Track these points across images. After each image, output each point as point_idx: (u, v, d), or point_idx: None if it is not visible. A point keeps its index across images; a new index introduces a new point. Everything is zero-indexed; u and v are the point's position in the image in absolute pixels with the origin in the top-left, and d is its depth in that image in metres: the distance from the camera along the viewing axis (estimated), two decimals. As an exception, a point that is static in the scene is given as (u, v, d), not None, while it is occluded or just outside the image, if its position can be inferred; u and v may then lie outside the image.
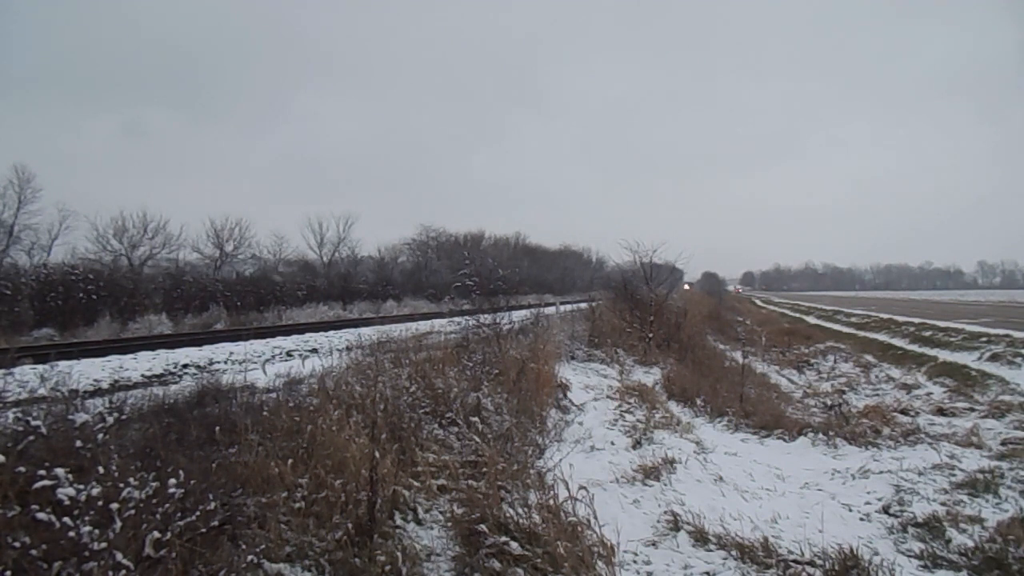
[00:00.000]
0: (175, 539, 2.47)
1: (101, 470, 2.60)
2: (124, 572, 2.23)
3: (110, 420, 3.16)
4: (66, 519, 2.29)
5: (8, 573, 2.10)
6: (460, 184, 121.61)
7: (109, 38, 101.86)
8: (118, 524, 2.34)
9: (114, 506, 2.38)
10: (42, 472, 2.42)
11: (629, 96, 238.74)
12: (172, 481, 2.63)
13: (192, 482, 2.78)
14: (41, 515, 2.27)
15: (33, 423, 2.86)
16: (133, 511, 2.44)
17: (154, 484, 2.59)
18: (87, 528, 2.26)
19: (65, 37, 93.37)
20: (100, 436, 2.89)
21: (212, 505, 2.75)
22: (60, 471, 2.43)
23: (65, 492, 2.36)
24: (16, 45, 62.69)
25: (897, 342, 15.72)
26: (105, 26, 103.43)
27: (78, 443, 2.78)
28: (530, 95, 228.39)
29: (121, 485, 2.50)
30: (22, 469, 2.48)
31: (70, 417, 3.05)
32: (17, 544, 2.15)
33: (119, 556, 2.23)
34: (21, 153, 50.50)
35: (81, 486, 2.43)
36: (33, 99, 61.65)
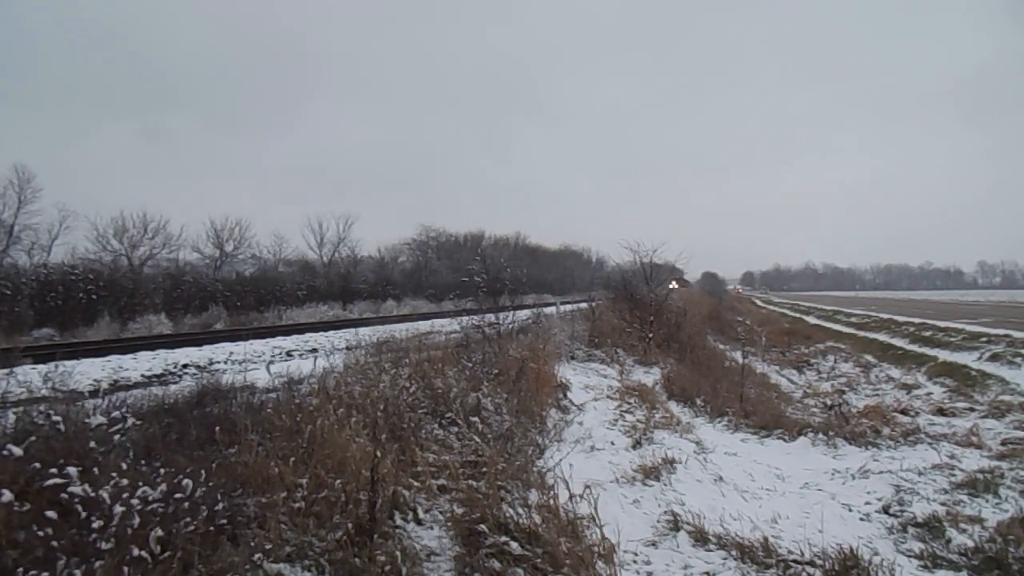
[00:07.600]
0: (181, 539, 2.48)
1: (124, 465, 2.65)
2: (129, 569, 2.24)
3: (129, 422, 3.18)
4: (78, 516, 2.31)
5: (30, 572, 2.11)
6: (461, 185, 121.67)
7: (130, 45, 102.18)
8: (136, 521, 2.37)
9: (135, 502, 2.42)
10: (53, 470, 2.45)
11: (629, 100, 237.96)
12: (188, 482, 2.66)
13: (211, 483, 2.80)
14: (50, 512, 2.28)
15: (54, 418, 2.88)
16: (151, 509, 2.48)
17: (163, 486, 2.61)
18: (97, 525, 2.28)
19: (87, 45, 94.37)
20: (116, 437, 2.92)
21: (220, 506, 2.77)
22: (72, 470, 2.46)
23: (75, 490, 2.38)
24: (35, 52, 63.26)
25: (897, 342, 15.72)
26: (126, 34, 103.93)
27: (92, 443, 2.81)
28: (532, 101, 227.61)
29: (140, 484, 2.54)
30: (37, 465, 2.50)
31: (86, 420, 3.07)
32: (40, 534, 2.17)
33: (135, 551, 2.26)
34: (36, 157, 50.73)
35: (97, 483, 2.46)
36: (55, 105, 62.30)
